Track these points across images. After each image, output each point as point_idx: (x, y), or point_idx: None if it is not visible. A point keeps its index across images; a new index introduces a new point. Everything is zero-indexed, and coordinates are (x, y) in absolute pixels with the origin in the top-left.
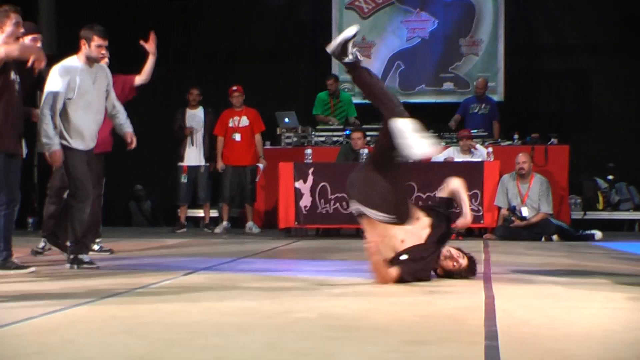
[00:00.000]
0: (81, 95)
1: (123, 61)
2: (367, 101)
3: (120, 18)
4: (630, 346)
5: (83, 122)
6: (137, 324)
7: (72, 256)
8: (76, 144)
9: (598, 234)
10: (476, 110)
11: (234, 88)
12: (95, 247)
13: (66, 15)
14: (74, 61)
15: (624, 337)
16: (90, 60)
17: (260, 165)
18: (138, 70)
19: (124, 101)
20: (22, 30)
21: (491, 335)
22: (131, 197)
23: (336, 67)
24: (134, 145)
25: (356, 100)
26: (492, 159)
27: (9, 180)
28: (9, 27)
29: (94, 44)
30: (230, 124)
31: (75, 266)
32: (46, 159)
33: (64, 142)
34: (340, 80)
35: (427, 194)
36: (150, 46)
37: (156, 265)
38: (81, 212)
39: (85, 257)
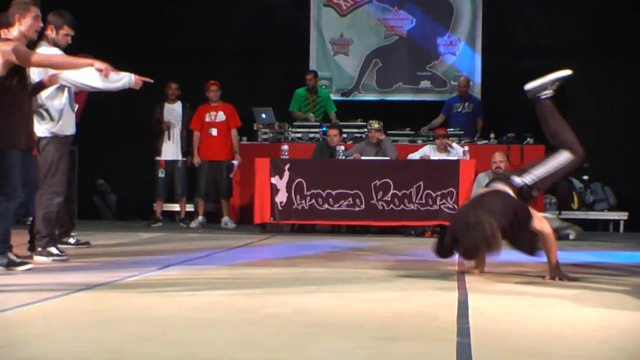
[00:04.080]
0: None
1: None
2: (343, 98)
3: (98, 12)
4: (601, 344)
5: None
6: (109, 318)
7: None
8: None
9: (572, 233)
10: (460, 109)
11: (212, 82)
12: (72, 240)
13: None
14: (47, 49)
15: (594, 336)
16: (54, 46)
17: (235, 162)
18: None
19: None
20: (41, 24)
21: (463, 332)
22: (94, 192)
23: (314, 64)
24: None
25: (332, 96)
26: (468, 158)
27: (12, 177)
28: (28, 20)
29: (63, 33)
30: (207, 119)
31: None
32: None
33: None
34: (318, 76)
35: (403, 191)
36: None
37: (130, 259)
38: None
39: (54, 250)
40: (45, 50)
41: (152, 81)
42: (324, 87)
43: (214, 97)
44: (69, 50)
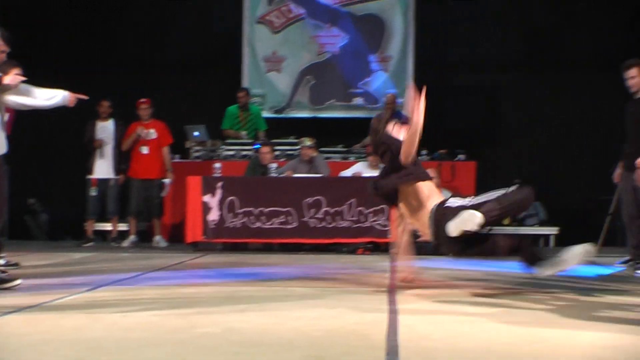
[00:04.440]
0: None
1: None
2: (275, 115)
3: (31, 28)
4: (530, 358)
5: None
6: (39, 341)
7: None
8: None
9: None
10: None
11: (142, 101)
12: (1, 261)
13: None
14: None
15: (523, 351)
16: None
17: (167, 181)
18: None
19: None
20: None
21: (392, 350)
22: (25, 211)
23: (246, 81)
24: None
25: (265, 114)
26: None
27: None
28: None
29: None
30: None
31: None
32: None
33: None
34: (250, 94)
35: (335, 208)
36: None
37: (61, 280)
38: None
39: None
40: None
41: (86, 98)
42: (256, 104)
43: (145, 115)
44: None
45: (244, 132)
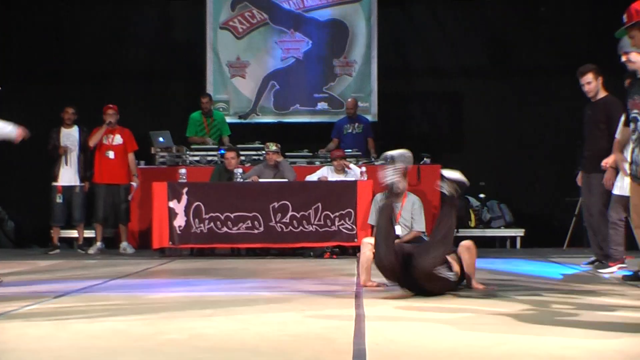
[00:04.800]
0: None
1: None
2: (240, 120)
3: None
4: None
5: None
6: (3, 350)
7: None
8: None
9: None
10: (350, 130)
11: (110, 106)
12: None
13: None
14: None
15: (490, 352)
16: None
17: (134, 184)
18: None
19: None
20: None
21: (359, 353)
22: None
23: (211, 86)
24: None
25: (229, 119)
26: (366, 178)
27: None
28: None
29: None
30: (104, 141)
31: None
32: None
33: None
34: (214, 99)
35: (302, 212)
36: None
37: (26, 288)
38: None
39: None
40: None
41: (29, 136)
42: (221, 109)
43: (112, 121)
44: None
45: (209, 138)
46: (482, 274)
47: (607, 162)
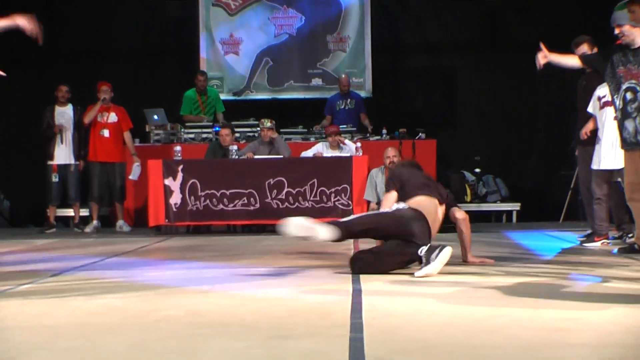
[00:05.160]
0: None
1: None
2: (234, 97)
3: None
4: (492, 333)
5: None
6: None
7: None
8: None
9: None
10: (343, 107)
11: (102, 82)
12: None
13: None
14: None
15: (485, 325)
16: None
17: (136, 164)
18: None
19: None
20: None
21: (356, 327)
22: None
23: (204, 64)
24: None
25: (224, 96)
26: (361, 154)
27: None
28: None
29: None
30: (99, 119)
31: None
32: None
33: None
34: (208, 77)
35: (297, 189)
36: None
37: (23, 267)
38: None
39: None
40: None
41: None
42: (215, 87)
43: (106, 98)
44: None
45: (204, 116)
46: (478, 247)
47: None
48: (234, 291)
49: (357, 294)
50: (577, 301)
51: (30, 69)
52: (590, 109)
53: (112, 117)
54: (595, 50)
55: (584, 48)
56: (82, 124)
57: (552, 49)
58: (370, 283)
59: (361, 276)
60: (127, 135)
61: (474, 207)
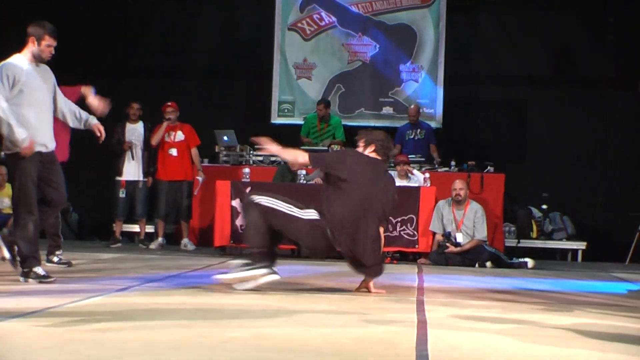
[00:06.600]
0: (29, 93)
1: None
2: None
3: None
4: None
5: (35, 122)
6: (67, 341)
7: (25, 270)
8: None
9: (530, 262)
10: (412, 136)
11: (168, 104)
12: (55, 259)
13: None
14: (19, 60)
15: None
16: (37, 59)
17: (200, 178)
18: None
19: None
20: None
21: (422, 359)
22: None
23: (276, 87)
24: (103, 136)
25: (293, 120)
26: (429, 185)
27: None
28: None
29: (45, 44)
30: (166, 139)
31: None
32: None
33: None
34: (279, 100)
35: None
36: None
37: (89, 281)
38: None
39: (40, 270)
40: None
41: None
42: (286, 110)
43: (172, 118)
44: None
45: (320, 143)
46: (542, 285)
47: None
48: (299, 316)
49: (422, 325)
50: None
51: (102, 85)
52: None
53: (179, 136)
54: None
55: None
56: (150, 144)
57: (625, 85)
58: (435, 314)
59: (426, 306)
60: (194, 152)
61: (539, 243)
